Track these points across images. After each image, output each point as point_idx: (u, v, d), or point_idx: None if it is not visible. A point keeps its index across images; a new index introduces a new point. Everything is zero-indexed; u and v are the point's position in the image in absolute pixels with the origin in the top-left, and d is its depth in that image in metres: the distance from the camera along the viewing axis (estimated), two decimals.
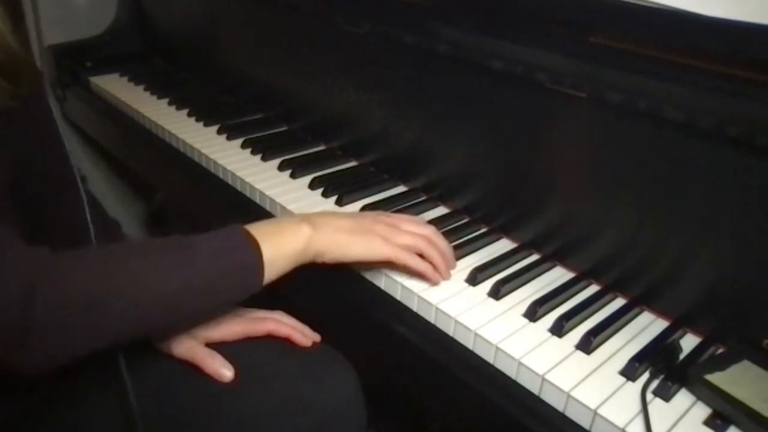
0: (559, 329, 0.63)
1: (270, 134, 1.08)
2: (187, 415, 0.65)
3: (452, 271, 0.72)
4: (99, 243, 0.64)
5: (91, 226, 0.64)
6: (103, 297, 0.51)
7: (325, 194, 0.88)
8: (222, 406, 0.64)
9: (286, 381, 0.65)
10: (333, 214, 0.70)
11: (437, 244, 0.69)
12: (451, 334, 0.65)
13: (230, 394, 0.64)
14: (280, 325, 0.68)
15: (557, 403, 0.57)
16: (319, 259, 0.64)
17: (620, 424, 0.54)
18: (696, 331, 0.66)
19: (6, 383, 0.57)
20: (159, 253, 0.56)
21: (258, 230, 0.60)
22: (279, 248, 0.60)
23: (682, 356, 0.62)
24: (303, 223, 0.63)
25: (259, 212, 0.88)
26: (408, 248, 0.67)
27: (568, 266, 0.75)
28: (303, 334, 0.69)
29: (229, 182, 0.95)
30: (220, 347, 0.66)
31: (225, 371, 0.64)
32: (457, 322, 0.65)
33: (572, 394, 0.56)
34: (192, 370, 0.64)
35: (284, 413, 0.64)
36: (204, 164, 1.00)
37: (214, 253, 0.57)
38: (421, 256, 0.68)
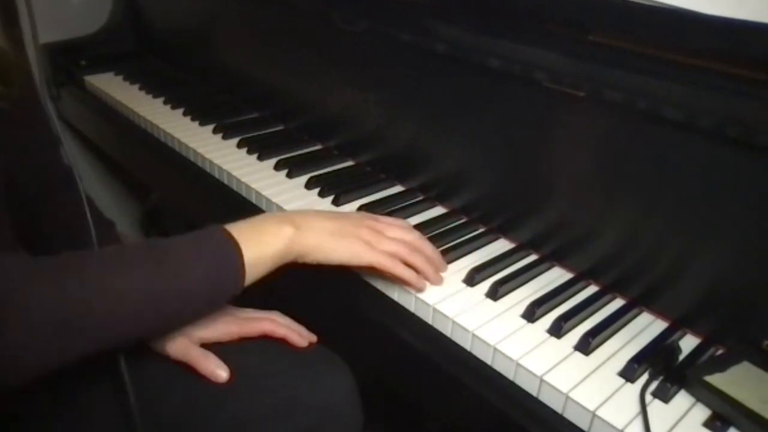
0: (557, 330, 0.63)
1: (266, 134, 1.07)
2: (181, 416, 0.64)
3: (450, 272, 0.71)
4: (98, 242, 0.63)
5: (91, 224, 0.64)
6: (75, 312, 0.49)
7: (321, 194, 0.87)
8: (217, 406, 0.63)
9: (282, 381, 0.65)
10: (316, 213, 0.68)
11: (422, 249, 0.69)
12: (448, 334, 0.65)
13: (225, 394, 0.63)
14: (276, 325, 0.68)
15: (556, 405, 0.57)
16: (300, 260, 0.63)
17: (619, 425, 0.53)
18: (695, 332, 0.65)
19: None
20: (131, 260, 0.54)
21: (238, 231, 0.59)
22: (260, 250, 0.59)
23: (681, 357, 0.62)
24: (285, 223, 0.62)
25: (256, 212, 0.86)
26: (391, 254, 0.66)
27: (567, 266, 0.74)
28: (299, 335, 0.68)
29: (225, 182, 0.94)
30: (215, 348, 0.65)
31: (220, 372, 0.63)
32: (454, 322, 0.64)
33: (571, 395, 0.56)
34: (187, 370, 0.63)
35: (280, 414, 0.63)
36: (199, 164, 0.99)
37: (193, 256, 0.56)
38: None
